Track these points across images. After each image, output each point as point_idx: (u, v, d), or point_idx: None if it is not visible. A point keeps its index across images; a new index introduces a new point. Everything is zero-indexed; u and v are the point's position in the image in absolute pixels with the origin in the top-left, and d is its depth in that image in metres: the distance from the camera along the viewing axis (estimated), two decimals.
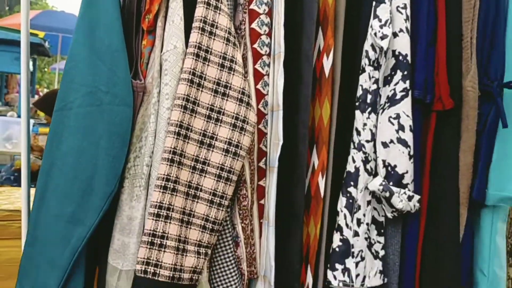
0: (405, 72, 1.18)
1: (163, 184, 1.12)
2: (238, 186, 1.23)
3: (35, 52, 6.39)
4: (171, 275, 1.11)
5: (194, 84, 1.16)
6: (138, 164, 1.21)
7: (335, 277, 1.15)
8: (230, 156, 1.18)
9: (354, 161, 1.18)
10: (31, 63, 6.81)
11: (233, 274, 1.23)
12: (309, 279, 1.20)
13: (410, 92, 1.18)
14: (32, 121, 4.27)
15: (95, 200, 1.17)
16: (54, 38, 7.07)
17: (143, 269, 1.10)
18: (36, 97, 6.49)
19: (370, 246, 1.20)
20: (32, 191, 1.34)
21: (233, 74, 1.20)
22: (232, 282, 1.22)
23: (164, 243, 1.11)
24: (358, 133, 1.18)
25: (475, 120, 1.25)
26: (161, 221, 1.12)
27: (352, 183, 1.17)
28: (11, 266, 1.79)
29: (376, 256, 1.20)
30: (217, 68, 1.18)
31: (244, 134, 1.20)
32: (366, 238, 1.17)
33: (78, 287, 1.18)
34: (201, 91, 1.17)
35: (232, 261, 1.23)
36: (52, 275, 1.18)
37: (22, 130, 1.45)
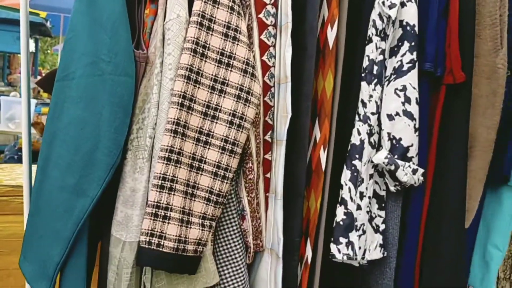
0: (413, 43, 1.15)
1: (166, 156, 1.11)
2: (243, 159, 1.21)
3: (37, 32, 6.33)
4: (175, 246, 1.11)
5: (198, 53, 1.13)
6: (141, 136, 1.19)
7: (339, 251, 1.14)
8: (234, 128, 1.17)
9: (359, 133, 1.16)
10: (33, 43, 6.76)
11: (238, 247, 1.22)
12: (308, 252, 1.20)
13: (417, 64, 1.16)
14: (35, 101, 4.25)
15: (97, 172, 1.16)
16: (56, 19, 6.97)
17: (148, 240, 1.09)
18: (39, 78, 6.45)
19: (370, 219, 1.19)
20: (34, 167, 1.33)
21: (238, 44, 1.17)
22: (237, 255, 1.22)
23: (168, 215, 1.11)
24: (364, 105, 1.16)
25: (502, 97, 1.25)
26: (165, 192, 1.11)
27: (357, 155, 1.15)
28: (13, 241, 1.79)
29: (376, 230, 1.20)
30: (221, 38, 1.16)
31: (248, 106, 1.18)
32: (367, 212, 1.16)
33: (81, 258, 1.18)
34: (205, 61, 1.15)
35: (237, 234, 1.22)
36: (56, 246, 1.17)
37: (22, 106, 1.43)
